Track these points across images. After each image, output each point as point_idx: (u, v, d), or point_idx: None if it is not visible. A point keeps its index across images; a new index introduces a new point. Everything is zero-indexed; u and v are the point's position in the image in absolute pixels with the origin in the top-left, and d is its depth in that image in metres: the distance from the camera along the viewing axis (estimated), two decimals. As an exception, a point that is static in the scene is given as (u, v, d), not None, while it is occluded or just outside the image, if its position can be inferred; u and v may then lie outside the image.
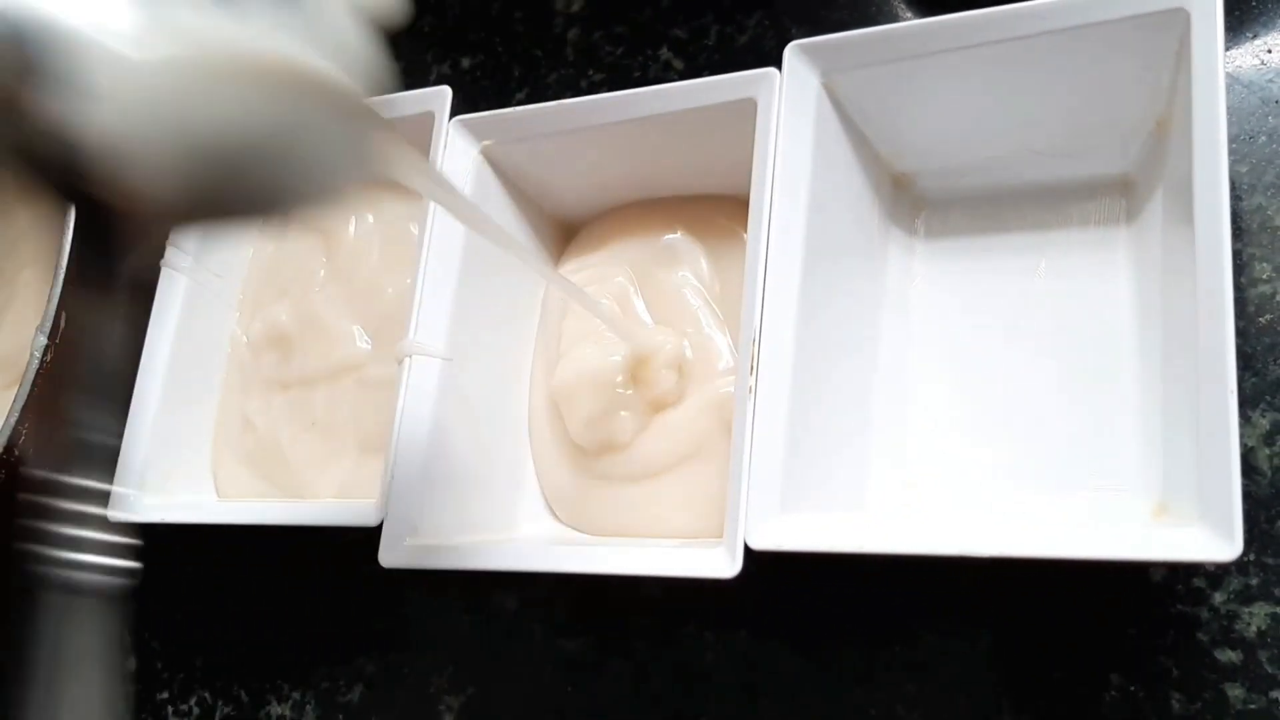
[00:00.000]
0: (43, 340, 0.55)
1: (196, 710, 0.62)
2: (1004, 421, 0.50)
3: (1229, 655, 0.47)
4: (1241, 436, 0.38)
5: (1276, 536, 0.47)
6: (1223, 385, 0.39)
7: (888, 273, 0.54)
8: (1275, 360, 0.48)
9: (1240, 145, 0.51)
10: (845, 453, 0.50)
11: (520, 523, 0.57)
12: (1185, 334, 0.42)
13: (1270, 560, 0.47)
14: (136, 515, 0.57)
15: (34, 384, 0.55)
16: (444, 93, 0.55)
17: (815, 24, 0.62)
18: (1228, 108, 0.42)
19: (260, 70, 0.32)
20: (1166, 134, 0.48)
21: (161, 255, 0.61)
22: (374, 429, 0.57)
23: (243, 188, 0.33)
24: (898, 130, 0.52)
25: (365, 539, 0.50)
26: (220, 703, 0.62)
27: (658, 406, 0.54)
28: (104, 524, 0.37)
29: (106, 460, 0.54)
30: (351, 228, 0.62)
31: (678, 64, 0.65)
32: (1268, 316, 0.49)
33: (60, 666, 0.35)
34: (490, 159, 0.56)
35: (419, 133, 0.56)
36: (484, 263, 0.55)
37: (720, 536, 0.47)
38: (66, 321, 0.55)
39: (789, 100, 0.49)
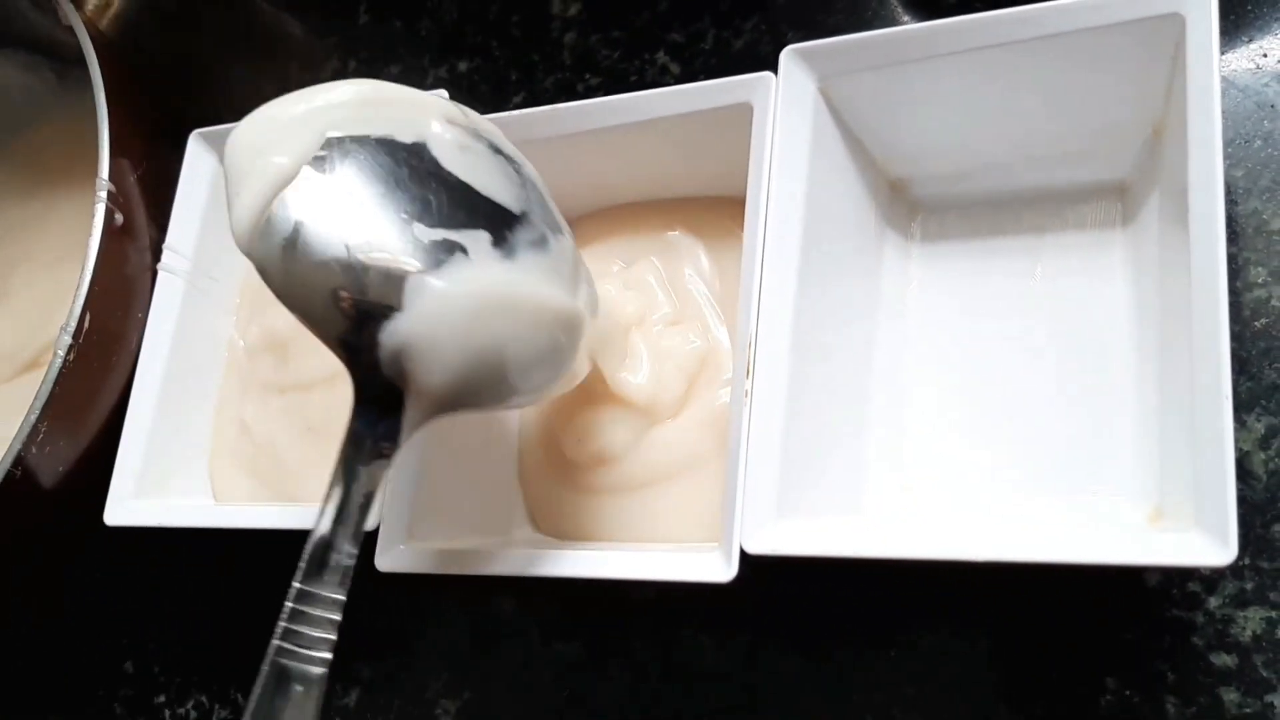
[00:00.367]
0: (67, 340, 0.55)
1: (194, 714, 0.62)
2: (1000, 425, 0.50)
3: (1224, 659, 0.47)
4: (1237, 441, 0.38)
5: (1272, 541, 0.47)
6: (1218, 390, 0.39)
7: (884, 277, 0.54)
8: (1270, 364, 0.49)
9: (1235, 150, 0.51)
10: (841, 456, 0.50)
11: (516, 527, 0.57)
12: (1181, 338, 0.42)
13: (1265, 565, 0.47)
14: (133, 519, 0.57)
15: (56, 383, 0.55)
16: (439, 95, 0.55)
17: (812, 28, 0.62)
18: (1223, 112, 0.42)
19: (525, 308, 0.42)
20: (1162, 138, 0.48)
21: (158, 258, 0.61)
22: (370, 433, 0.57)
23: (497, 386, 0.43)
24: (894, 135, 0.52)
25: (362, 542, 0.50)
26: (217, 706, 0.62)
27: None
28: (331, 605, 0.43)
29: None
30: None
31: (674, 68, 0.65)
32: (1263, 321, 0.49)
33: None
34: (489, 163, 0.56)
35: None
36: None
37: (712, 543, 0.48)
38: (90, 322, 0.56)
39: (785, 104, 0.49)
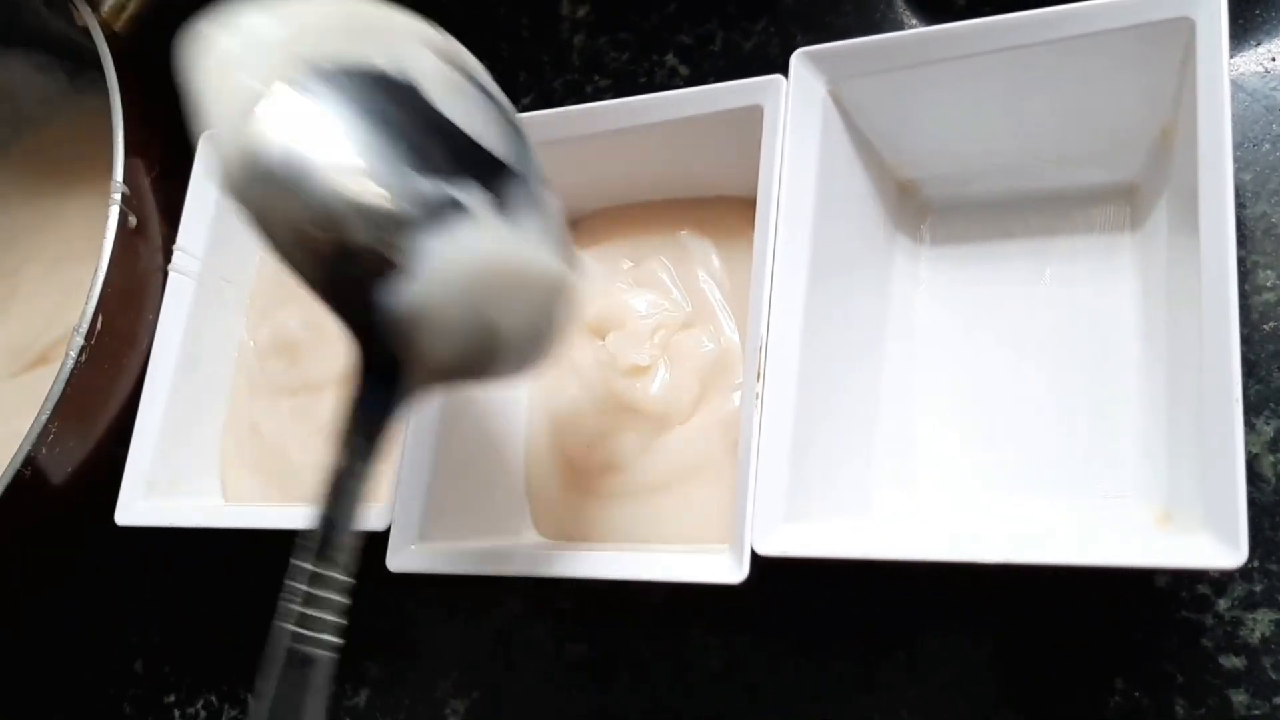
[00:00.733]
0: (79, 341, 0.55)
1: (203, 713, 0.62)
2: (1009, 427, 0.50)
3: (1233, 661, 0.47)
4: (1246, 444, 0.38)
5: (1280, 543, 0.47)
6: (1228, 393, 0.39)
7: (893, 279, 0.54)
8: (1279, 367, 0.49)
9: (1244, 153, 0.51)
10: (851, 458, 0.50)
11: (527, 527, 0.57)
12: (1190, 341, 0.42)
13: (1274, 567, 0.47)
14: (144, 519, 0.57)
15: (67, 384, 0.55)
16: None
17: (820, 31, 0.62)
18: (1232, 115, 0.42)
19: (530, 277, 0.41)
20: (1172, 142, 0.48)
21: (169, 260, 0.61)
22: (381, 434, 0.57)
23: (494, 358, 0.41)
24: (904, 137, 0.52)
25: (371, 543, 0.50)
26: (226, 706, 0.62)
27: (637, 373, 0.55)
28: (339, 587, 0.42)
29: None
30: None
31: (683, 70, 0.65)
32: (1271, 324, 0.49)
33: None
34: (500, 164, 0.56)
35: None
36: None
37: (720, 545, 0.48)
38: (101, 323, 0.56)
39: (795, 107, 0.49)
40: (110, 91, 0.59)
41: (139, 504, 0.57)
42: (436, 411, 0.52)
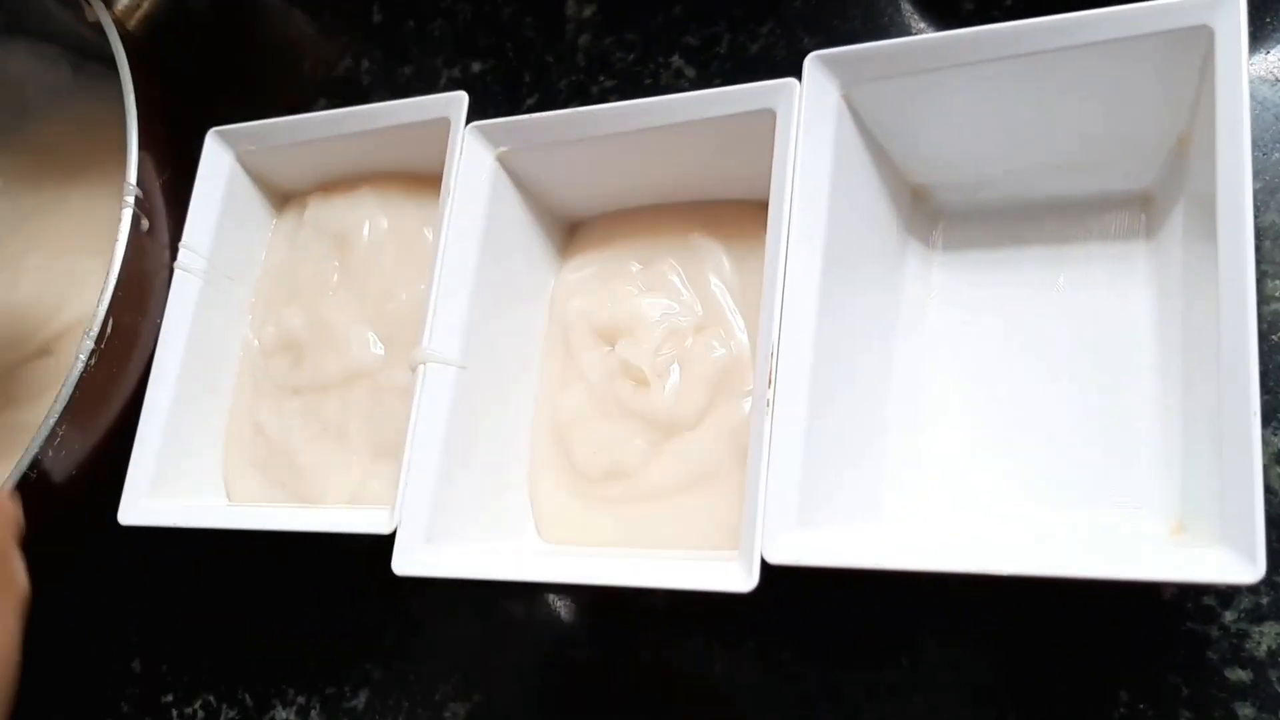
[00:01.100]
0: (89, 345, 0.55)
1: (201, 713, 0.62)
2: (1021, 436, 0.50)
3: (1239, 674, 0.47)
4: (1258, 456, 0.38)
5: (1289, 556, 0.47)
6: (1246, 405, 0.39)
7: (905, 285, 0.53)
8: (1289, 378, 0.49)
9: (1255, 162, 0.51)
10: (861, 466, 0.50)
11: (531, 533, 0.56)
12: (1206, 351, 0.42)
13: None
14: (146, 519, 0.57)
15: (76, 388, 0.54)
16: (460, 98, 0.55)
17: (827, 34, 0.62)
18: (1243, 124, 0.42)
19: None
20: (1188, 150, 0.48)
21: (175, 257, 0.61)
22: (386, 436, 0.57)
23: None
24: (917, 142, 0.52)
25: (375, 545, 0.50)
26: (225, 706, 0.62)
27: (658, 373, 0.54)
28: None
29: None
30: (365, 232, 0.61)
31: (689, 72, 0.65)
32: (1280, 335, 0.49)
33: None
34: (505, 165, 0.56)
35: (435, 138, 0.56)
36: (499, 269, 0.55)
37: (723, 552, 0.47)
38: (114, 329, 0.55)
39: (808, 111, 0.49)
40: (125, 93, 0.58)
41: (141, 503, 0.57)
42: (444, 415, 0.52)
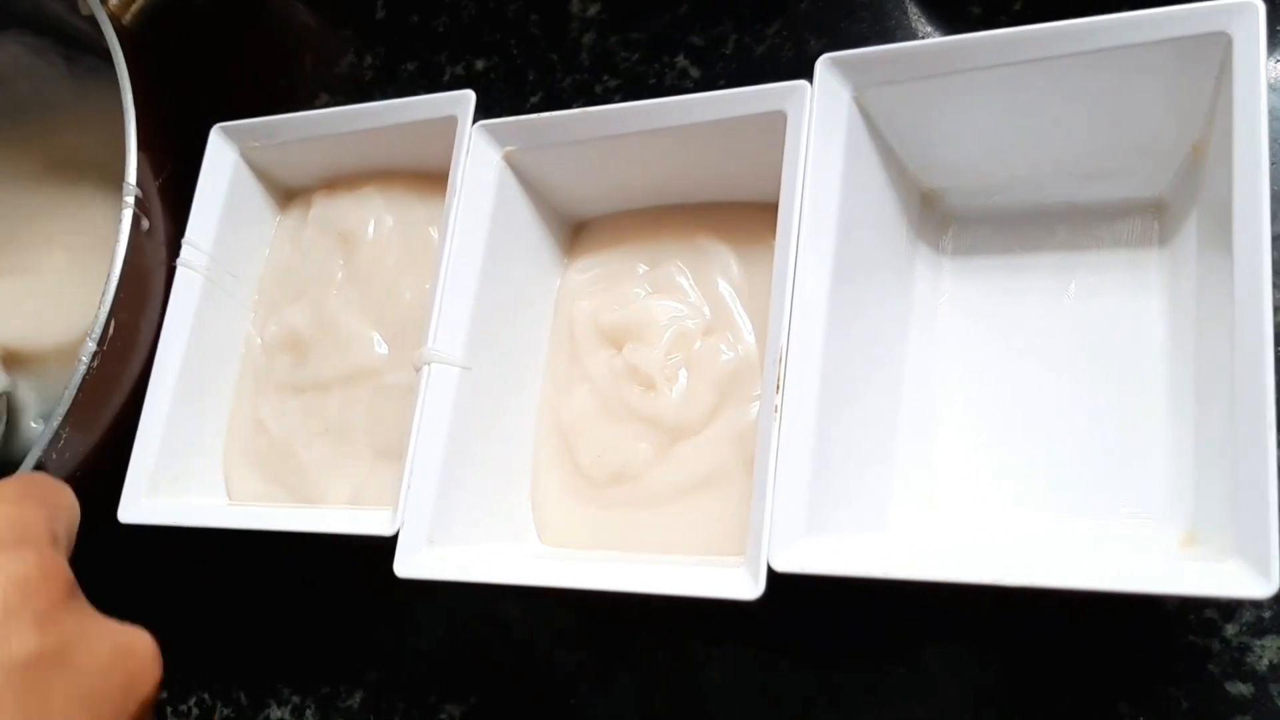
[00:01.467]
0: (92, 347, 0.55)
1: (195, 711, 0.62)
2: (1030, 444, 0.50)
3: (1239, 688, 0.47)
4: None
5: (1293, 569, 0.47)
6: (1261, 416, 0.38)
7: (915, 290, 0.53)
8: (1297, 390, 0.48)
9: (1270, 170, 0.51)
10: (870, 473, 0.50)
11: (532, 536, 0.56)
12: (1219, 361, 0.42)
13: (1284, 593, 0.46)
14: (146, 517, 0.56)
15: (79, 389, 0.54)
16: (467, 97, 0.55)
17: (834, 36, 0.62)
18: (1259, 133, 0.42)
19: None
20: (1203, 158, 0.48)
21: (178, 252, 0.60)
22: (389, 436, 0.57)
23: None
24: (928, 146, 0.52)
25: (374, 545, 0.50)
26: (219, 704, 0.62)
27: (669, 378, 0.54)
28: None
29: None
30: (370, 230, 0.61)
31: (694, 72, 0.64)
32: (1289, 346, 0.49)
33: None
34: (512, 164, 0.56)
35: (441, 136, 0.55)
36: (505, 269, 0.55)
37: (726, 557, 0.47)
38: (115, 329, 0.55)
39: (820, 113, 0.49)
40: (123, 92, 0.58)
41: (141, 502, 0.57)
42: (447, 416, 0.52)
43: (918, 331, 0.53)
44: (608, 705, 0.55)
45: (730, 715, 0.53)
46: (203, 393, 0.61)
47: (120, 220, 0.57)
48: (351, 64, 0.73)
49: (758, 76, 0.51)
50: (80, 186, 0.69)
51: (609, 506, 0.54)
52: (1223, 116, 0.44)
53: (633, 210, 0.60)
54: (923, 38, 0.59)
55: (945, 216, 0.55)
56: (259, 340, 0.63)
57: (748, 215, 0.56)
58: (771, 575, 0.43)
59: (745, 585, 0.43)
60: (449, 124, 0.55)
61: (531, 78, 0.68)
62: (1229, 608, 0.47)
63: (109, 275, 0.55)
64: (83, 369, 0.54)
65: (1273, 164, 0.50)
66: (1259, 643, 0.47)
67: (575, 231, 0.61)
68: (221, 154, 0.62)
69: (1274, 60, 0.53)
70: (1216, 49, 0.44)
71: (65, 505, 0.45)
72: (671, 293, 0.56)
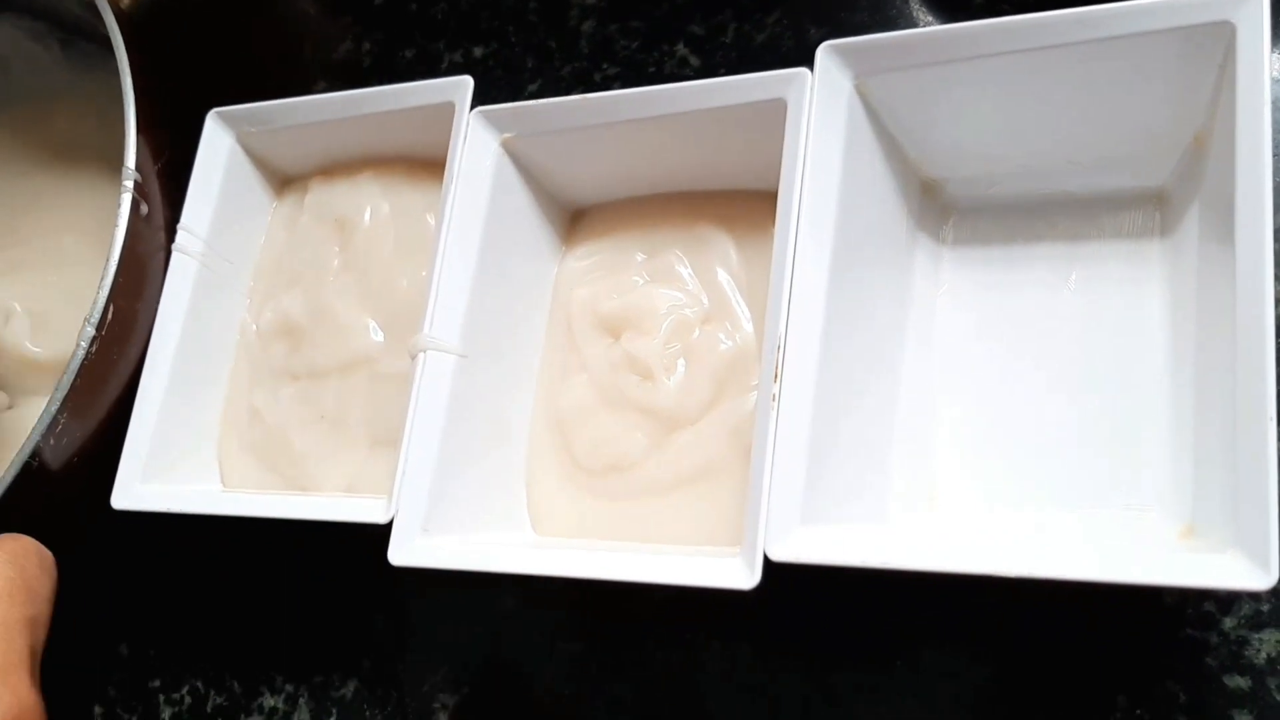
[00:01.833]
0: (90, 332, 0.54)
1: (188, 699, 0.62)
2: (1029, 436, 0.50)
3: (1238, 681, 0.46)
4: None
5: (1292, 562, 0.46)
6: (1261, 409, 0.38)
7: (914, 280, 0.53)
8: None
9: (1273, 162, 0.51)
10: (867, 462, 0.49)
11: (526, 526, 0.56)
12: (1220, 353, 0.42)
13: (1282, 586, 0.46)
14: (140, 504, 0.56)
15: (78, 375, 0.54)
16: (465, 83, 0.54)
17: (834, 25, 0.62)
18: (1260, 124, 0.41)
19: None
20: (1205, 148, 0.47)
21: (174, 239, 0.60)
22: (385, 424, 0.57)
23: None
24: (929, 135, 0.52)
25: (368, 533, 0.50)
26: (212, 692, 0.61)
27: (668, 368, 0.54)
28: None
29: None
30: (366, 217, 0.61)
31: (694, 61, 0.64)
32: (1288, 338, 0.49)
33: None
34: (510, 151, 0.55)
35: (439, 122, 0.55)
36: (502, 257, 0.54)
37: (721, 549, 0.47)
38: (113, 315, 0.55)
39: (820, 101, 0.48)
40: (122, 76, 0.58)
41: (135, 488, 0.56)
42: (444, 404, 0.51)
43: (917, 322, 0.53)
44: (603, 695, 0.55)
45: (725, 708, 0.53)
46: (198, 379, 0.60)
47: (119, 205, 0.56)
48: (349, 51, 0.72)
49: (757, 65, 0.50)
50: (78, 172, 0.69)
51: (604, 497, 0.54)
52: (1225, 106, 0.43)
53: (631, 198, 0.59)
54: (923, 26, 0.59)
55: (945, 206, 0.55)
56: (254, 327, 0.63)
57: (747, 204, 0.56)
58: (768, 567, 0.43)
59: (741, 575, 0.43)
60: (446, 110, 0.55)
61: (530, 65, 0.68)
62: (1227, 601, 0.47)
63: (107, 260, 0.55)
64: (81, 354, 0.54)
65: (1276, 155, 0.50)
66: (1257, 636, 0.47)
67: (573, 219, 0.61)
68: (217, 139, 0.62)
69: (1278, 50, 0.53)
70: (1220, 38, 0.43)
71: (44, 574, 0.45)
72: (670, 281, 0.56)
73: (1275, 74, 0.52)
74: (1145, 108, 0.48)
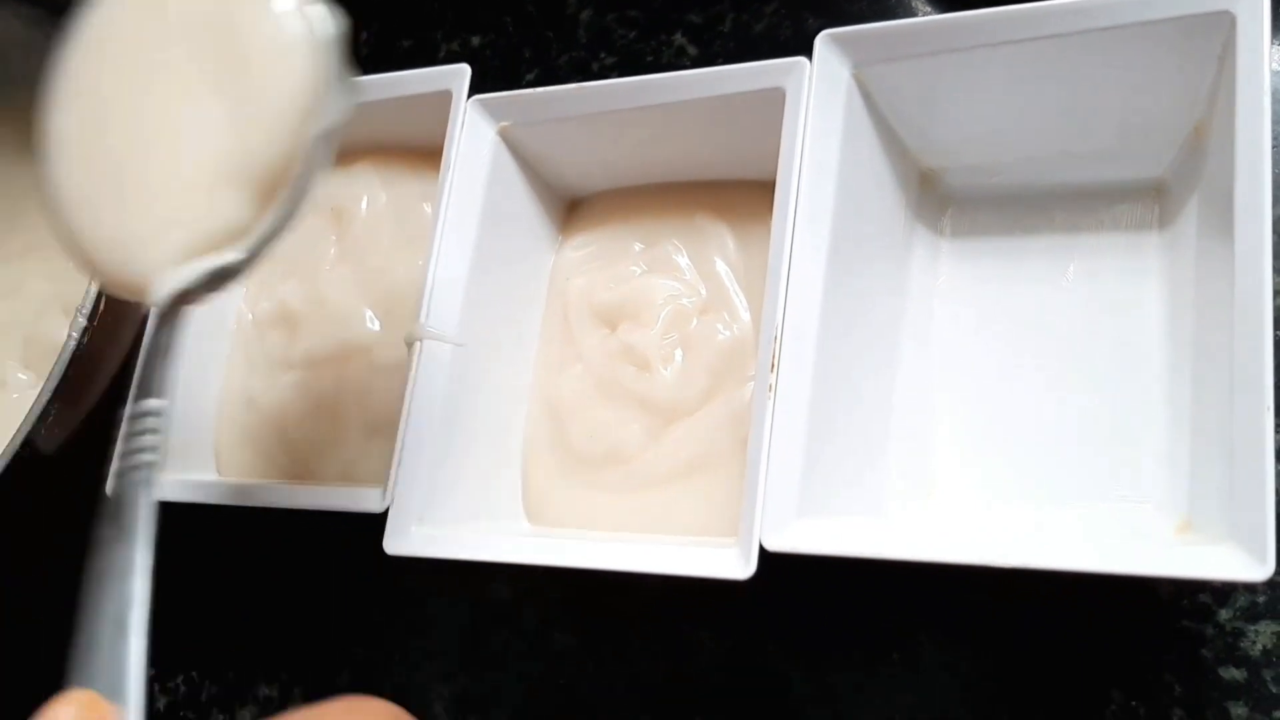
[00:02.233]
0: (82, 322, 0.54)
1: (183, 688, 0.62)
2: (1027, 428, 0.50)
3: (1233, 673, 0.46)
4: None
5: (1287, 554, 0.46)
6: (1259, 401, 0.38)
7: (912, 271, 0.53)
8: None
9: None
10: (864, 455, 0.49)
11: (522, 516, 0.56)
12: (1218, 345, 0.42)
13: (1279, 579, 0.46)
14: None
15: (69, 366, 0.54)
16: (463, 71, 0.54)
17: (832, 14, 0.62)
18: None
19: None
20: (1204, 139, 0.47)
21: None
22: (380, 413, 0.57)
23: None
24: (928, 125, 0.51)
25: (363, 522, 0.50)
26: (207, 682, 0.61)
27: (665, 360, 0.54)
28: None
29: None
30: (363, 206, 0.61)
31: (691, 50, 0.64)
32: (1285, 330, 0.49)
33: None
34: (507, 140, 0.55)
35: (436, 111, 0.55)
36: (499, 246, 0.54)
37: (721, 539, 0.47)
38: (105, 305, 0.55)
39: (819, 91, 0.48)
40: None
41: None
42: (440, 393, 0.51)
43: (914, 313, 0.53)
44: (598, 686, 0.55)
45: (720, 698, 0.53)
46: (193, 367, 0.60)
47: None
48: (347, 40, 0.72)
49: (755, 55, 0.50)
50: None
51: (600, 488, 0.54)
52: (1225, 97, 0.43)
53: (629, 187, 0.59)
54: (922, 16, 0.59)
55: (944, 197, 0.55)
56: (250, 316, 0.63)
57: (745, 193, 0.56)
58: (764, 558, 0.43)
59: (737, 565, 0.43)
60: (444, 99, 0.55)
61: (527, 55, 0.68)
62: (1223, 593, 0.47)
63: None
64: (73, 344, 0.54)
65: (1275, 146, 0.50)
66: (1253, 628, 0.47)
67: (570, 208, 0.61)
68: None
69: (1278, 41, 0.53)
70: (1220, 28, 0.43)
71: None
72: (668, 271, 0.56)
73: (1275, 65, 0.52)
74: (1144, 99, 0.48)
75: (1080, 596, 0.49)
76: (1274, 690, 0.46)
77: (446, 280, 0.52)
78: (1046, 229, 0.52)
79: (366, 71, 0.60)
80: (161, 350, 0.41)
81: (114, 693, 0.36)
